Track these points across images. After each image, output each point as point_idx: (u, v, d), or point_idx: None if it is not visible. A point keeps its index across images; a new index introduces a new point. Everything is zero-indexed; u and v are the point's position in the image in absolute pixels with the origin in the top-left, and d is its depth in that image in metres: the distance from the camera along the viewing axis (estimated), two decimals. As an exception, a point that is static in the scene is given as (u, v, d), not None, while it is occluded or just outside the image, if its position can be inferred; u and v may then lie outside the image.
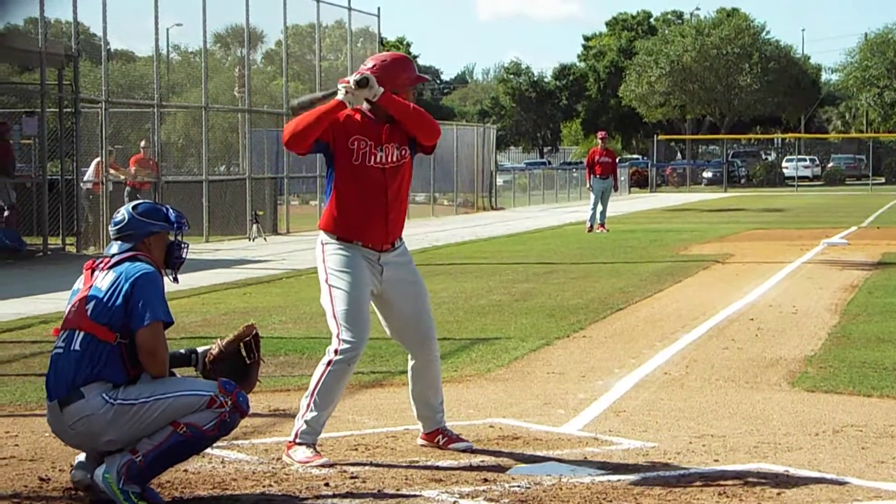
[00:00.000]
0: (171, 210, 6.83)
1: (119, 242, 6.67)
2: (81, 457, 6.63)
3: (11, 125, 26.03)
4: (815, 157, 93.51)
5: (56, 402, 6.43)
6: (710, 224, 34.99)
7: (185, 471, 7.06)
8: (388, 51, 72.68)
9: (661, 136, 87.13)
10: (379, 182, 7.46)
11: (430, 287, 16.20)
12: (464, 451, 7.62)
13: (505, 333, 12.81)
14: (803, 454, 7.57)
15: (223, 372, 6.72)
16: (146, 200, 7.00)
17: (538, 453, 7.62)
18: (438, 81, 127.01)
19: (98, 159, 25.73)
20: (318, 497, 6.68)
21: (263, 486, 6.87)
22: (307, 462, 7.25)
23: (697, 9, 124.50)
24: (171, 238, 6.79)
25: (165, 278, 6.74)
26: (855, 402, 9.23)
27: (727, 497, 6.63)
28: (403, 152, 7.54)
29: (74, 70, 25.48)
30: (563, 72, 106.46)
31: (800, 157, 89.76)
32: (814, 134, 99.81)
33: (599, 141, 32.45)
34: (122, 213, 6.73)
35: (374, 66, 7.50)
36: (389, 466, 7.29)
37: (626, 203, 52.92)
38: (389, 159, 7.49)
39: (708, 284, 17.83)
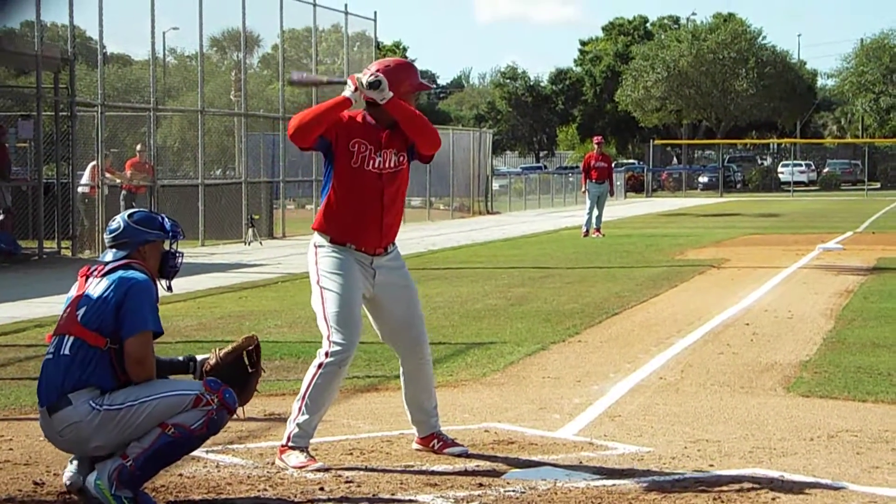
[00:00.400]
0: (166, 219, 6.82)
1: (114, 250, 6.67)
2: (74, 461, 6.63)
3: (7, 128, 26.02)
4: (811, 163, 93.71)
5: (45, 409, 6.45)
6: (705, 229, 35.00)
7: (180, 475, 7.06)
8: (384, 55, 72.68)
9: (657, 141, 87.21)
10: (375, 186, 7.46)
11: (426, 291, 16.24)
12: (459, 455, 7.61)
13: (500, 338, 12.81)
14: (798, 459, 7.57)
15: (222, 381, 6.70)
16: (142, 209, 6.99)
17: (533, 458, 7.61)
18: (435, 85, 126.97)
19: (94, 163, 25.72)
20: (312, 501, 6.68)
21: (258, 491, 6.86)
22: (302, 467, 7.24)
23: (694, 14, 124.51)
24: (167, 247, 6.79)
25: (159, 287, 6.73)
26: (850, 407, 9.24)
27: (722, 502, 6.64)
28: (401, 159, 7.54)
29: (70, 73, 25.48)
30: (559, 76, 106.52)
31: (795, 162, 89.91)
32: (809, 139, 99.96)
33: (595, 146, 32.46)
34: (118, 220, 6.75)
35: (378, 70, 7.48)
36: (384, 471, 7.29)
37: (622, 208, 52.94)
38: (387, 165, 7.49)
39: (703, 289, 17.83)
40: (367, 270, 7.47)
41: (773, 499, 6.69)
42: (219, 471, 7.25)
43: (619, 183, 64.92)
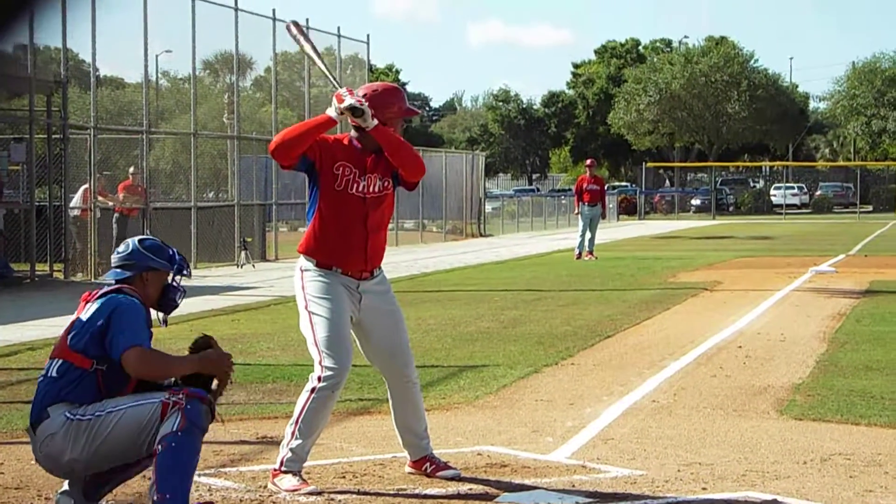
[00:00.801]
0: (177, 253, 6.83)
1: (117, 270, 6.70)
2: (66, 485, 6.60)
3: (-1, 151, 26.01)
4: (804, 185, 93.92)
5: (30, 426, 6.49)
6: (698, 251, 35.02)
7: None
8: (377, 77, 72.72)
9: (649, 164, 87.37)
10: (359, 211, 7.46)
11: (419, 314, 16.24)
12: (451, 478, 7.60)
13: (493, 361, 12.80)
14: (791, 482, 7.56)
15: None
16: (154, 238, 6.99)
17: (526, 481, 7.60)
18: (427, 108, 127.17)
19: (85, 186, 25.70)
20: (304, 525, 6.65)
21: (250, 514, 6.84)
22: (295, 490, 7.23)
23: (686, 37, 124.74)
24: (169, 279, 6.77)
25: (153, 321, 6.70)
26: (843, 430, 9.23)
27: (715, 526, 6.62)
28: (386, 184, 7.54)
29: (63, 96, 25.48)
30: (551, 99, 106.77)
31: (788, 184, 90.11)
32: (802, 162, 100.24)
33: (587, 168, 32.50)
34: (129, 243, 6.78)
35: (366, 95, 7.48)
36: (377, 494, 7.27)
37: (615, 230, 52.98)
38: (371, 189, 7.49)
39: (696, 312, 17.84)
40: (353, 294, 7.47)
41: (767, 522, 6.67)
42: (211, 494, 7.23)
43: (611, 206, 65.02)
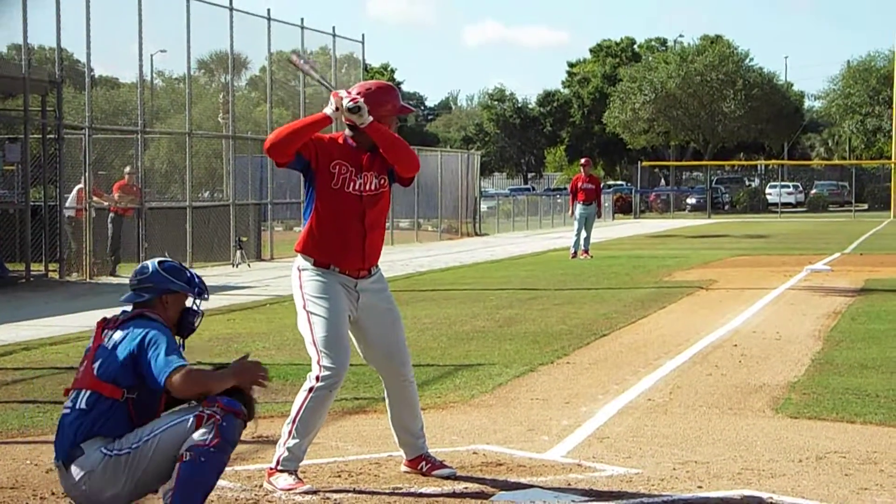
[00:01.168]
0: (196, 276, 6.73)
1: (135, 293, 6.59)
2: None
3: (-5, 151, 26.00)
4: (799, 184, 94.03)
5: (61, 463, 6.33)
6: (693, 250, 35.03)
7: None
8: (372, 77, 72.55)
9: (644, 163, 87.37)
10: (356, 209, 7.46)
11: (414, 313, 16.24)
12: (447, 477, 7.60)
13: (489, 359, 12.80)
14: (787, 480, 7.57)
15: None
16: (173, 260, 6.85)
17: (522, 480, 7.60)
18: (422, 108, 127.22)
19: (80, 186, 25.68)
20: (300, 524, 6.65)
21: (246, 514, 6.84)
22: (290, 489, 7.23)
23: (681, 36, 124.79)
24: (188, 303, 6.69)
25: None
26: (838, 428, 9.24)
27: (711, 524, 6.63)
28: (382, 181, 7.54)
29: (58, 96, 25.45)
30: (547, 98, 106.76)
31: (783, 183, 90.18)
32: (797, 161, 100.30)
33: (582, 168, 32.52)
34: (148, 265, 6.66)
35: (360, 93, 7.48)
36: (373, 493, 7.27)
37: (610, 229, 53.00)
38: (368, 187, 7.49)
39: (691, 311, 17.84)
40: (351, 293, 7.47)
41: (762, 520, 6.68)
42: (206, 494, 7.21)
43: (606, 204, 65.05)
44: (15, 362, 13.06)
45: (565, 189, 52.61)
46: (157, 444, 6.23)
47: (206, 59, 38.72)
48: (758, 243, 40.09)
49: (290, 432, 7.35)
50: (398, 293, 7.88)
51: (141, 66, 27.83)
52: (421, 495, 7.23)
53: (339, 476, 7.68)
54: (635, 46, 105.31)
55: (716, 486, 7.43)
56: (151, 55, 41.44)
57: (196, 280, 6.69)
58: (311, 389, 7.31)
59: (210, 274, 26.83)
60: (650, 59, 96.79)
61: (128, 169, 27.88)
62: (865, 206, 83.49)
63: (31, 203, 24.81)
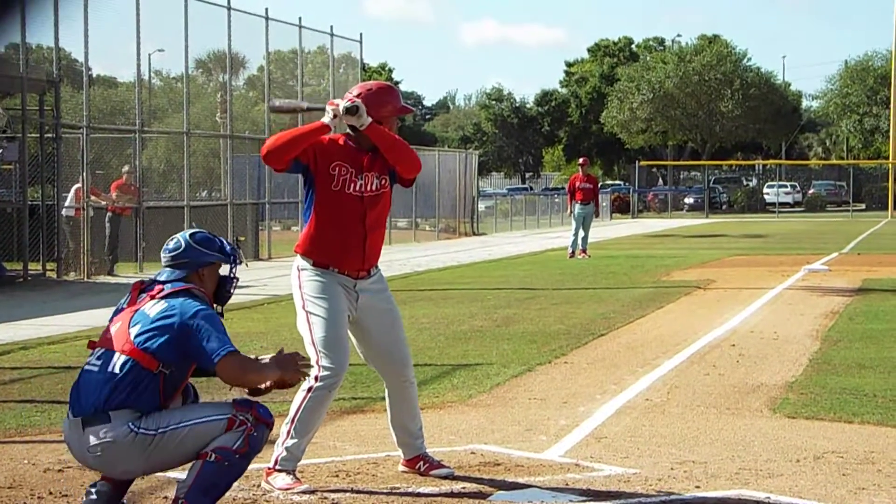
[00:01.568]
0: (225, 241, 6.65)
1: (170, 270, 6.50)
2: (101, 479, 6.44)
3: (-8, 150, 25.97)
4: (796, 184, 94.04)
5: (79, 420, 6.21)
6: (691, 250, 35.05)
7: (165, 498, 7.02)
8: (370, 76, 72.32)
9: (642, 162, 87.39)
10: (357, 210, 7.45)
11: (412, 312, 16.24)
12: (445, 477, 7.60)
13: (486, 359, 12.80)
14: (784, 480, 7.57)
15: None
16: (201, 230, 6.75)
17: (519, 480, 7.60)
18: (420, 107, 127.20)
19: (78, 185, 25.68)
20: (298, 524, 6.65)
21: (243, 513, 6.83)
22: (288, 489, 7.23)
23: (679, 35, 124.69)
24: (223, 271, 6.62)
25: None
26: (836, 428, 9.24)
27: (708, 524, 6.63)
28: (383, 182, 7.53)
29: (56, 95, 25.45)
30: (545, 98, 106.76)
31: (781, 183, 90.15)
32: (795, 160, 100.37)
33: (580, 167, 32.52)
34: (179, 239, 6.55)
35: (360, 94, 7.47)
36: (370, 493, 7.27)
37: (608, 229, 53.00)
38: (369, 188, 7.48)
39: (689, 310, 17.85)
40: (350, 294, 7.46)
41: (760, 520, 6.68)
42: (204, 493, 7.21)
43: (604, 204, 65.07)
44: (13, 361, 13.05)
45: (563, 189, 52.62)
46: (184, 435, 6.19)
47: (203, 59, 38.67)
48: (756, 243, 40.10)
49: (288, 432, 7.35)
50: (396, 293, 7.87)
51: (139, 66, 27.83)
52: (419, 495, 7.23)
53: (337, 476, 7.68)
54: (633, 46, 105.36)
55: (713, 486, 7.43)
56: (149, 54, 41.38)
57: (227, 247, 6.62)
58: (309, 389, 7.31)
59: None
60: (648, 58, 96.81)
61: (126, 168, 27.87)
62: (863, 206, 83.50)
63: (29, 202, 24.80)
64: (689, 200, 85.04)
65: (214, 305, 6.59)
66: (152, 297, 6.39)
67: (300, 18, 34.58)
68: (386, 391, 7.73)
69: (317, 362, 7.30)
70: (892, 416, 9.66)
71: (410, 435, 7.72)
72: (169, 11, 28.49)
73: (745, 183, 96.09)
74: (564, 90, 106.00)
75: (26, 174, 24.79)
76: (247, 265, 29.72)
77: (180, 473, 6.53)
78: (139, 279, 6.56)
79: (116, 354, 6.23)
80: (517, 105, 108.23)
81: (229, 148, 32.22)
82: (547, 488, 7.39)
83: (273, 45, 33.89)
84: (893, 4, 73.96)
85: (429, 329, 15.33)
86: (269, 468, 7.37)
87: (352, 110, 7.34)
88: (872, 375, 11.62)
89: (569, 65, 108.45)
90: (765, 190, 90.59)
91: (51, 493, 7.23)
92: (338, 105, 7.38)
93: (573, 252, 30.88)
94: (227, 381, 6.32)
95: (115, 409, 6.15)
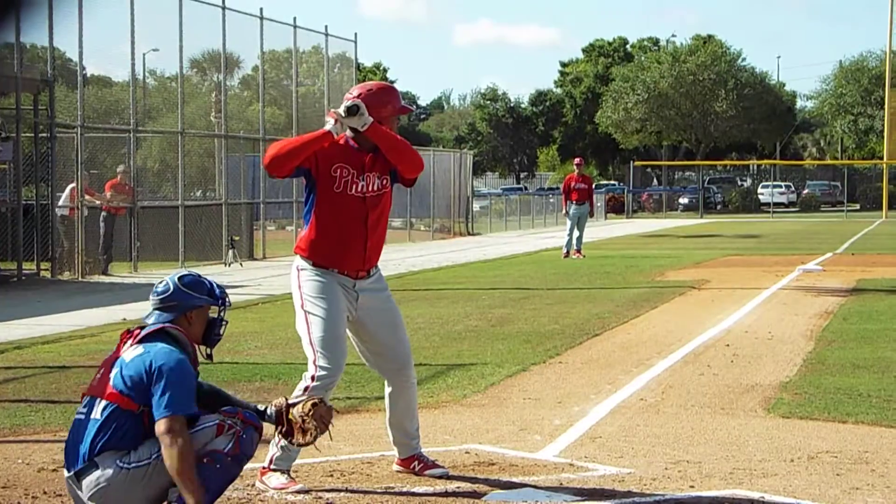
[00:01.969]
0: (214, 284, 6.64)
1: (158, 312, 6.48)
2: None
3: (-14, 150, 25.94)
4: (791, 184, 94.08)
5: (73, 475, 6.27)
6: (686, 250, 35.06)
7: (160, 497, 7.01)
8: (365, 76, 72.19)
9: (637, 163, 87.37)
10: (359, 211, 7.45)
11: (407, 312, 16.21)
12: (440, 477, 7.60)
13: (481, 359, 12.80)
14: (778, 480, 7.57)
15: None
16: (190, 272, 6.74)
17: (514, 479, 7.60)
18: (415, 107, 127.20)
19: (73, 184, 25.67)
20: (292, 524, 6.64)
21: (238, 513, 6.83)
22: (283, 488, 7.23)
23: (673, 35, 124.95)
24: (213, 314, 6.60)
25: (199, 354, 6.56)
26: (830, 428, 9.25)
27: (703, 523, 6.63)
28: (384, 182, 7.53)
29: (50, 95, 25.44)
30: (539, 98, 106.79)
31: (775, 183, 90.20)
32: (789, 160, 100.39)
33: (575, 167, 32.53)
34: (167, 283, 6.53)
35: (360, 94, 7.47)
36: (365, 493, 7.27)
37: (603, 229, 53.02)
38: (370, 188, 7.48)
39: (684, 310, 17.86)
40: (350, 293, 7.46)
41: (754, 520, 6.68)
42: (198, 493, 7.21)
43: (599, 204, 65.05)
44: (7, 361, 13.04)
45: (558, 189, 52.64)
46: None
47: (198, 58, 38.64)
48: (750, 243, 40.13)
49: (283, 432, 7.35)
50: (391, 292, 7.87)
51: (133, 65, 27.83)
52: (413, 495, 7.24)
53: (332, 475, 7.68)
54: (628, 46, 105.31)
55: (707, 486, 7.44)
56: (144, 54, 41.34)
57: (217, 290, 6.60)
58: (306, 389, 7.31)
59: (202, 273, 26.81)
60: (642, 58, 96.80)
61: (120, 168, 27.86)
62: (857, 206, 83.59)
63: (24, 202, 24.79)
64: (683, 200, 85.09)
65: (203, 347, 6.58)
66: (132, 342, 6.40)
67: (294, 18, 34.62)
68: (386, 390, 7.73)
69: (314, 362, 7.31)
70: (887, 416, 9.68)
71: (407, 435, 7.73)
72: (163, 11, 28.49)
73: (739, 183, 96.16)
74: (559, 90, 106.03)
75: (21, 174, 24.77)
76: (241, 265, 29.74)
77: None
78: (126, 328, 6.55)
79: (98, 400, 6.28)
80: (512, 105, 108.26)
81: (224, 147, 32.21)
82: (541, 488, 7.39)
83: (268, 44, 33.91)
84: (888, 4, 74.00)
85: (423, 329, 15.34)
86: (264, 468, 7.38)
87: (353, 110, 7.34)
88: (867, 375, 11.63)
89: (563, 65, 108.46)
90: (759, 190, 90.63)
91: (45, 493, 7.23)
92: (337, 111, 7.37)
93: (568, 252, 30.89)
94: (161, 438, 6.12)
95: (99, 454, 6.19)
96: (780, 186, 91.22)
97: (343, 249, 7.43)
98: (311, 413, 6.72)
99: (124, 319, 16.50)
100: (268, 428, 7.98)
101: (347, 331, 7.52)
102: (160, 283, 6.57)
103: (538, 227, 58.13)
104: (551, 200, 63.68)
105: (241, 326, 16.03)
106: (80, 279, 24.91)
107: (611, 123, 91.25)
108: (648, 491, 7.33)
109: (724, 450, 8.46)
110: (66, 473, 6.33)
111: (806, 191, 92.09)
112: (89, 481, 6.19)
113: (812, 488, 7.37)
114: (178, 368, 6.25)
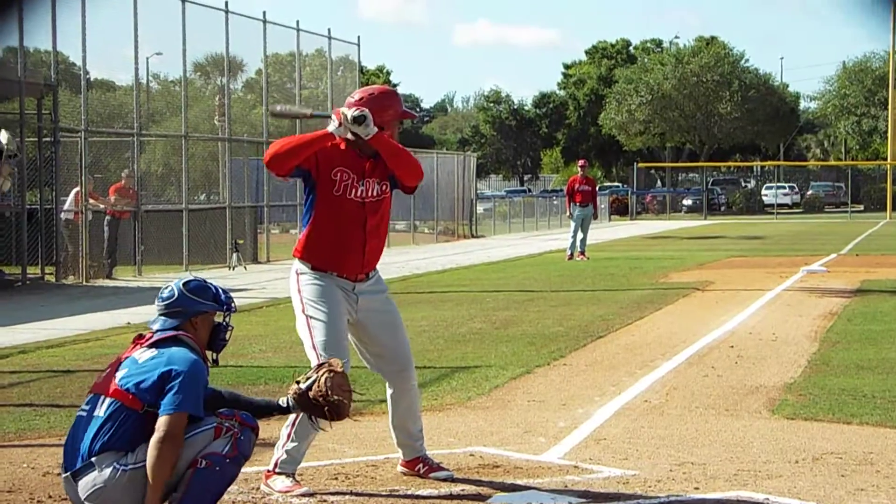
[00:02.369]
0: (220, 290, 6.62)
1: (164, 318, 6.47)
2: None
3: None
4: (795, 185, 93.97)
5: (70, 475, 6.24)
6: (689, 251, 35.05)
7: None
8: (368, 79, 72.24)
9: (641, 164, 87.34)
10: (358, 215, 7.45)
11: (411, 315, 16.23)
12: (444, 479, 7.61)
13: (485, 361, 12.80)
14: (783, 482, 7.57)
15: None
16: (196, 278, 6.71)
17: (518, 482, 7.60)
18: (418, 110, 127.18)
19: (77, 189, 25.70)
20: (297, 527, 6.65)
21: (243, 516, 6.84)
22: (287, 491, 7.24)
23: (677, 37, 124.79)
24: (218, 319, 6.60)
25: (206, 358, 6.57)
26: (834, 429, 9.25)
27: (707, 525, 6.63)
28: (384, 187, 7.54)
29: (54, 99, 25.43)
30: (542, 100, 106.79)
31: (779, 184, 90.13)
32: (793, 162, 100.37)
33: (579, 169, 32.53)
34: (172, 288, 6.52)
35: (362, 98, 7.45)
36: (370, 495, 7.28)
37: (607, 231, 53.00)
38: (370, 193, 7.49)
39: (688, 312, 17.85)
40: (350, 297, 7.47)
41: (759, 521, 6.68)
42: (203, 496, 7.21)
43: (603, 206, 65.07)
44: (11, 365, 13.05)
45: (562, 191, 52.63)
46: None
47: (201, 62, 38.71)
48: (754, 244, 40.11)
49: (288, 435, 7.36)
50: (394, 295, 7.88)
51: (136, 69, 27.83)
52: (418, 497, 7.24)
53: (337, 478, 7.68)
54: (631, 48, 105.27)
55: (712, 488, 7.43)
56: (147, 58, 41.27)
57: (222, 296, 6.59)
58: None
59: (206, 276, 26.76)
60: (646, 60, 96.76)
61: (125, 172, 27.88)
62: (861, 207, 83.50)
63: (28, 206, 24.81)
64: (687, 202, 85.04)
65: (208, 353, 6.59)
66: (141, 345, 6.41)
67: (298, 21, 34.60)
68: (388, 392, 7.74)
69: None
70: (891, 417, 9.67)
71: (411, 437, 7.73)
72: (166, 15, 28.50)
73: (743, 184, 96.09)
74: (562, 92, 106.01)
75: (25, 178, 24.78)
76: (245, 268, 29.75)
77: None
78: (138, 333, 6.54)
79: (102, 398, 6.27)
80: (515, 107, 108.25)
81: (227, 151, 32.21)
82: (546, 490, 7.40)
83: (271, 48, 33.90)
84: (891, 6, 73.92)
85: (428, 331, 15.34)
86: (269, 471, 7.38)
87: (359, 119, 7.32)
88: (871, 376, 11.63)
89: (566, 67, 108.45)
90: (763, 191, 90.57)
91: (50, 497, 7.23)
92: (343, 115, 7.34)
93: (572, 254, 30.88)
94: (163, 432, 6.13)
95: (98, 455, 6.17)
96: (784, 188, 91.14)
97: (341, 253, 7.44)
98: (330, 387, 6.67)
99: (128, 324, 16.53)
100: (272, 430, 7.98)
101: (349, 334, 7.53)
102: (165, 288, 6.57)
103: (542, 229, 58.11)
104: (555, 202, 63.67)
105: (245, 330, 16.04)
106: (84, 283, 24.92)
107: (614, 125, 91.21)
108: (653, 493, 7.33)
109: (728, 451, 8.46)
110: (62, 473, 6.32)
111: (810, 192, 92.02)
112: (86, 482, 6.18)
113: (817, 489, 7.37)
114: (192, 370, 6.27)
